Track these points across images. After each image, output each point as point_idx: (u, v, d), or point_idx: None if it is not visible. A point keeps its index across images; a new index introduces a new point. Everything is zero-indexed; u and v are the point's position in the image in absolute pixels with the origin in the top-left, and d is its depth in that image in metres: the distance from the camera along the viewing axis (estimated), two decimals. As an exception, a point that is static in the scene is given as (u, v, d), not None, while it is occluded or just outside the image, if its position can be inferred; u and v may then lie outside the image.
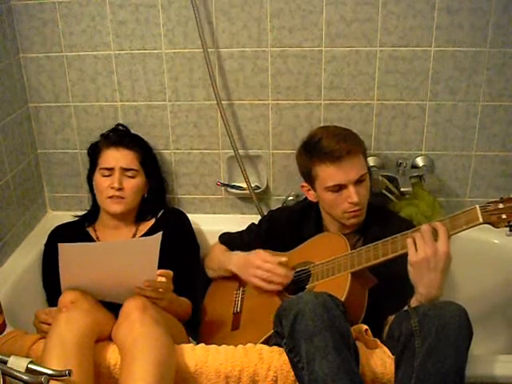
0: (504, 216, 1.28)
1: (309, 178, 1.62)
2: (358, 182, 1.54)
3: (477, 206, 1.30)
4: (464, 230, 1.31)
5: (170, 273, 1.43)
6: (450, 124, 1.86)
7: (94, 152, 1.79)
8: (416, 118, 1.87)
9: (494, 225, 1.29)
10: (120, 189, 1.70)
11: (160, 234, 1.36)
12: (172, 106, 1.94)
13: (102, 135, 1.85)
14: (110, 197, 1.70)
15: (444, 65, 1.79)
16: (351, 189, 1.53)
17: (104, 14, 1.83)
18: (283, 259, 1.57)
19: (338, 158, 1.52)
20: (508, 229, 1.29)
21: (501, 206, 1.29)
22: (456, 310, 1.24)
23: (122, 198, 1.71)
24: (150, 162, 1.83)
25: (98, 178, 1.74)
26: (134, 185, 1.74)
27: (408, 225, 1.49)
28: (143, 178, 1.78)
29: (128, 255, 1.37)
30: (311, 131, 1.67)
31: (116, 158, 1.73)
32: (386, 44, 1.78)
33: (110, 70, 1.90)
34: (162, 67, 1.88)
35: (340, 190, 1.55)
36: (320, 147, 1.56)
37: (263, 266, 1.57)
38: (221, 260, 1.74)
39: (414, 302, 1.35)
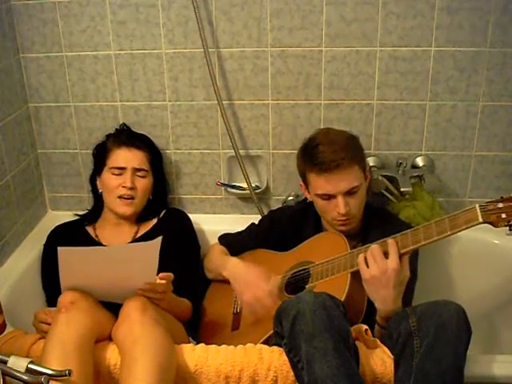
0: (504, 215, 1.27)
1: (304, 180, 1.63)
2: (349, 193, 1.53)
3: (476, 206, 1.30)
4: (463, 229, 1.31)
5: (170, 275, 1.43)
6: (450, 124, 1.86)
7: (102, 152, 1.79)
8: (416, 118, 1.87)
9: (494, 224, 1.29)
10: (132, 188, 1.71)
11: (160, 238, 1.36)
12: (172, 106, 1.94)
13: (110, 135, 1.85)
14: (120, 196, 1.70)
15: (444, 65, 1.79)
16: (340, 199, 1.52)
17: (104, 14, 1.83)
18: (277, 282, 1.56)
19: (326, 170, 1.51)
20: (508, 228, 1.29)
21: (500, 205, 1.29)
22: (454, 310, 1.24)
23: (133, 198, 1.71)
24: (158, 163, 1.84)
25: (107, 177, 1.73)
26: (144, 185, 1.75)
27: (407, 228, 1.49)
28: (152, 179, 1.79)
29: (128, 260, 1.36)
30: (313, 133, 1.64)
31: (128, 158, 1.73)
32: (386, 44, 1.78)
33: (109, 70, 1.90)
34: (162, 67, 1.88)
35: (329, 198, 1.55)
36: (313, 154, 1.54)
37: (256, 295, 1.54)
38: (217, 264, 1.73)
39: (378, 319, 1.38)
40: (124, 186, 1.70)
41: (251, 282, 1.57)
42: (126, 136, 1.81)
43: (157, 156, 1.86)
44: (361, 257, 1.38)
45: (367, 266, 1.36)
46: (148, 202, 1.81)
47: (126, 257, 1.37)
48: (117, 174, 1.72)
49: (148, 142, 1.85)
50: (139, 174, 1.74)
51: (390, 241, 1.38)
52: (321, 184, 1.53)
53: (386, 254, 1.36)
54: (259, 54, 1.84)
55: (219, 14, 1.80)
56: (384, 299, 1.35)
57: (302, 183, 1.67)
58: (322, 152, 1.53)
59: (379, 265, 1.34)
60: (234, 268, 1.65)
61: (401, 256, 1.36)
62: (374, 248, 1.37)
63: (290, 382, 1.32)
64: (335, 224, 1.58)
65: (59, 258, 1.32)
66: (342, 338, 1.22)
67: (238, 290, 1.60)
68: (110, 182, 1.72)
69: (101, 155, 1.79)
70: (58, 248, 1.32)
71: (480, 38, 1.74)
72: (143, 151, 1.77)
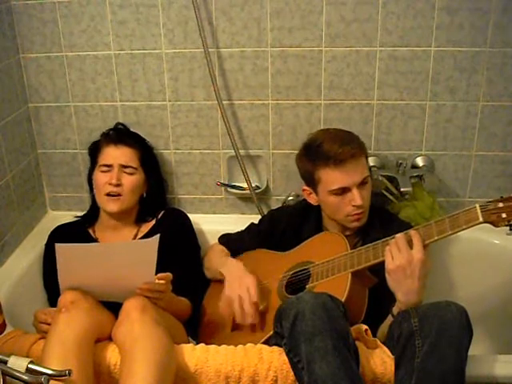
0: (504, 215, 1.27)
1: (311, 182, 1.61)
2: (361, 184, 1.54)
3: (477, 206, 1.30)
4: (464, 229, 1.31)
5: (169, 275, 1.43)
6: (450, 124, 1.86)
7: (94, 150, 1.79)
8: (416, 118, 1.87)
9: (495, 224, 1.29)
10: (118, 185, 1.70)
11: (157, 236, 1.36)
12: (172, 106, 1.94)
13: (103, 134, 1.84)
14: (108, 194, 1.70)
15: (444, 65, 1.79)
16: (355, 192, 1.53)
17: (104, 14, 1.83)
18: (261, 307, 1.52)
19: (341, 162, 1.51)
20: (508, 228, 1.29)
21: (501, 205, 1.29)
22: (456, 310, 1.24)
23: (120, 195, 1.71)
24: (149, 161, 1.83)
25: (96, 174, 1.74)
26: (132, 181, 1.73)
27: (407, 227, 1.49)
28: (142, 176, 1.78)
29: (126, 257, 1.37)
30: (311, 135, 1.66)
31: (115, 155, 1.73)
32: (386, 44, 1.78)
33: (109, 70, 1.90)
34: (162, 67, 1.88)
35: (343, 193, 1.54)
36: (323, 151, 1.55)
37: (241, 295, 1.52)
38: (216, 262, 1.72)
39: (395, 310, 1.36)
40: (110, 184, 1.70)
41: (243, 284, 1.53)
42: (115, 134, 1.81)
43: (148, 154, 1.85)
44: (387, 248, 1.36)
45: (392, 257, 1.34)
46: (144, 201, 1.81)
47: (124, 254, 1.37)
48: (105, 172, 1.72)
49: (139, 139, 1.84)
50: (127, 170, 1.73)
51: (414, 232, 1.35)
52: (336, 177, 1.53)
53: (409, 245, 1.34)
54: (259, 54, 1.84)
55: (219, 14, 1.80)
56: (407, 291, 1.32)
57: (305, 187, 1.66)
58: (331, 147, 1.54)
59: (404, 255, 1.32)
60: (233, 267, 1.63)
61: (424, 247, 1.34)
62: (399, 238, 1.35)
63: (289, 382, 1.32)
64: (349, 221, 1.57)
65: (57, 255, 1.33)
66: (342, 338, 1.23)
67: (227, 285, 1.57)
68: (99, 180, 1.72)
69: (93, 153, 1.80)
70: (56, 244, 1.33)
71: (480, 38, 1.74)
72: (132, 148, 1.76)
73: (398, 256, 1.33)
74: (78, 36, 1.87)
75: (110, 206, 1.71)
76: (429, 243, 1.35)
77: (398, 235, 1.37)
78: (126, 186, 1.72)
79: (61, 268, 1.36)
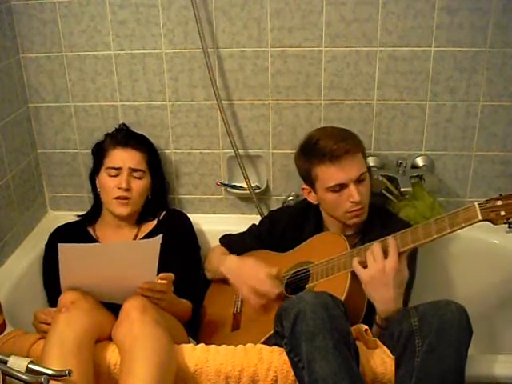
0: (503, 213, 1.28)
1: (309, 180, 1.62)
2: (359, 180, 1.55)
3: (476, 204, 1.31)
4: (463, 227, 1.32)
5: (171, 276, 1.43)
6: (450, 124, 1.86)
7: (100, 151, 1.78)
8: (416, 118, 1.87)
9: (493, 222, 1.30)
10: (127, 189, 1.70)
11: (160, 236, 1.36)
12: (172, 106, 1.94)
13: (108, 135, 1.84)
14: (117, 197, 1.70)
15: (444, 65, 1.79)
16: (352, 187, 1.53)
17: (104, 14, 1.83)
18: (273, 271, 1.53)
19: (337, 158, 1.52)
20: (507, 226, 1.29)
21: (499, 203, 1.29)
22: (456, 310, 1.24)
23: (129, 198, 1.71)
24: (155, 163, 1.84)
25: (104, 177, 1.73)
26: (141, 186, 1.74)
27: (407, 226, 1.49)
28: (149, 179, 1.78)
29: (128, 257, 1.37)
30: (308, 133, 1.67)
31: (124, 158, 1.73)
32: (386, 44, 1.78)
33: (109, 70, 1.90)
34: (162, 67, 1.88)
35: (341, 189, 1.55)
36: (318, 148, 1.56)
37: (252, 286, 1.53)
38: (216, 263, 1.73)
39: (378, 319, 1.37)
40: (120, 188, 1.70)
41: (245, 274, 1.56)
42: (122, 136, 1.80)
43: (155, 156, 1.85)
44: (355, 260, 1.39)
45: (366, 266, 1.36)
46: (147, 202, 1.81)
47: (126, 254, 1.37)
48: (113, 176, 1.71)
49: (145, 142, 1.84)
50: (136, 174, 1.73)
51: (390, 240, 1.37)
52: (332, 174, 1.53)
53: (385, 253, 1.36)
54: (259, 54, 1.84)
55: (219, 14, 1.80)
56: (384, 300, 1.34)
57: (304, 186, 1.66)
58: (326, 144, 1.54)
59: (378, 264, 1.34)
60: (230, 264, 1.65)
61: (399, 255, 1.35)
62: (375, 247, 1.37)
63: (290, 382, 1.32)
64: (348, 217, 1.58)
65: (59, 255, 1.33)
66: (343, 337, 1.23)
67: (236, 286, 1.60)
68: (107, 183, 1.72)
69: (98, 155, 1.79)
70: (59, 244, 1.33)
71: (480, 38, 1.74)
72: (140, 151, 1.76)
73: (372, 265, 1.34)
74: (78, 36, 1.87)
75: (119, 209, 1.71)
76: (426, 242, 1.35)
77: (374, 244, 1.38)
78: (135, 190, 1.72)
79: (63, 268, 1.36)
